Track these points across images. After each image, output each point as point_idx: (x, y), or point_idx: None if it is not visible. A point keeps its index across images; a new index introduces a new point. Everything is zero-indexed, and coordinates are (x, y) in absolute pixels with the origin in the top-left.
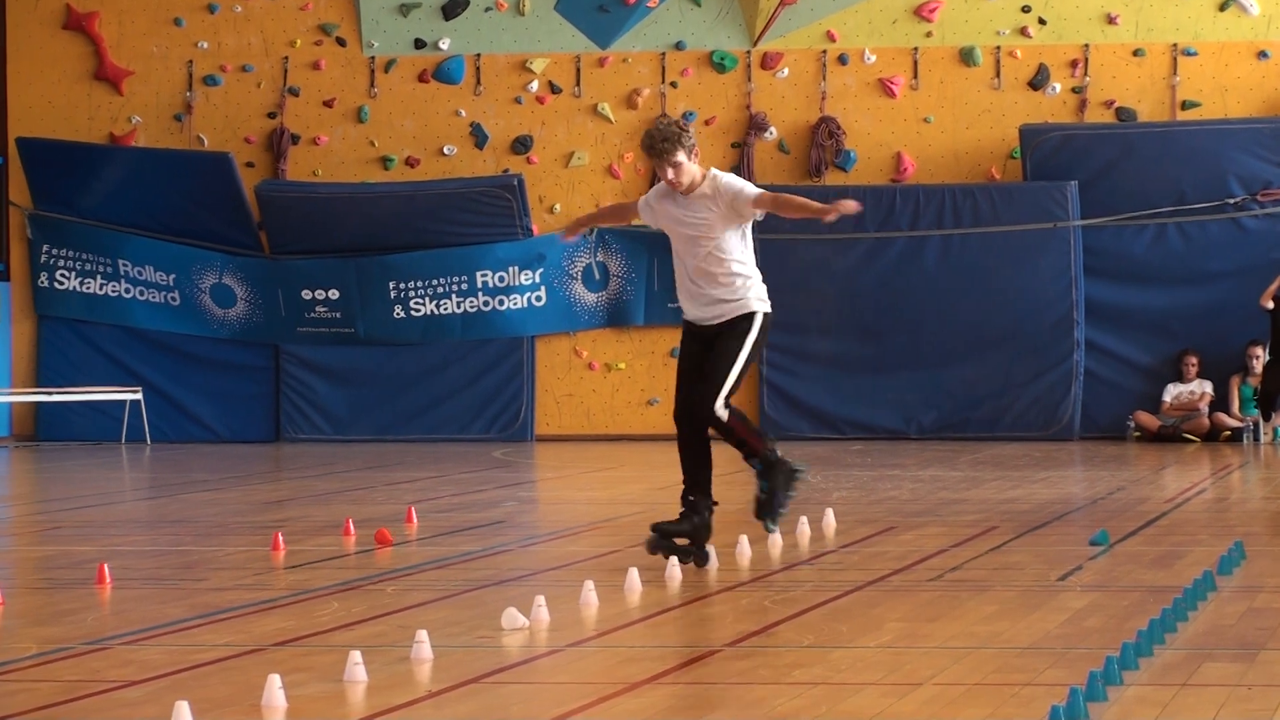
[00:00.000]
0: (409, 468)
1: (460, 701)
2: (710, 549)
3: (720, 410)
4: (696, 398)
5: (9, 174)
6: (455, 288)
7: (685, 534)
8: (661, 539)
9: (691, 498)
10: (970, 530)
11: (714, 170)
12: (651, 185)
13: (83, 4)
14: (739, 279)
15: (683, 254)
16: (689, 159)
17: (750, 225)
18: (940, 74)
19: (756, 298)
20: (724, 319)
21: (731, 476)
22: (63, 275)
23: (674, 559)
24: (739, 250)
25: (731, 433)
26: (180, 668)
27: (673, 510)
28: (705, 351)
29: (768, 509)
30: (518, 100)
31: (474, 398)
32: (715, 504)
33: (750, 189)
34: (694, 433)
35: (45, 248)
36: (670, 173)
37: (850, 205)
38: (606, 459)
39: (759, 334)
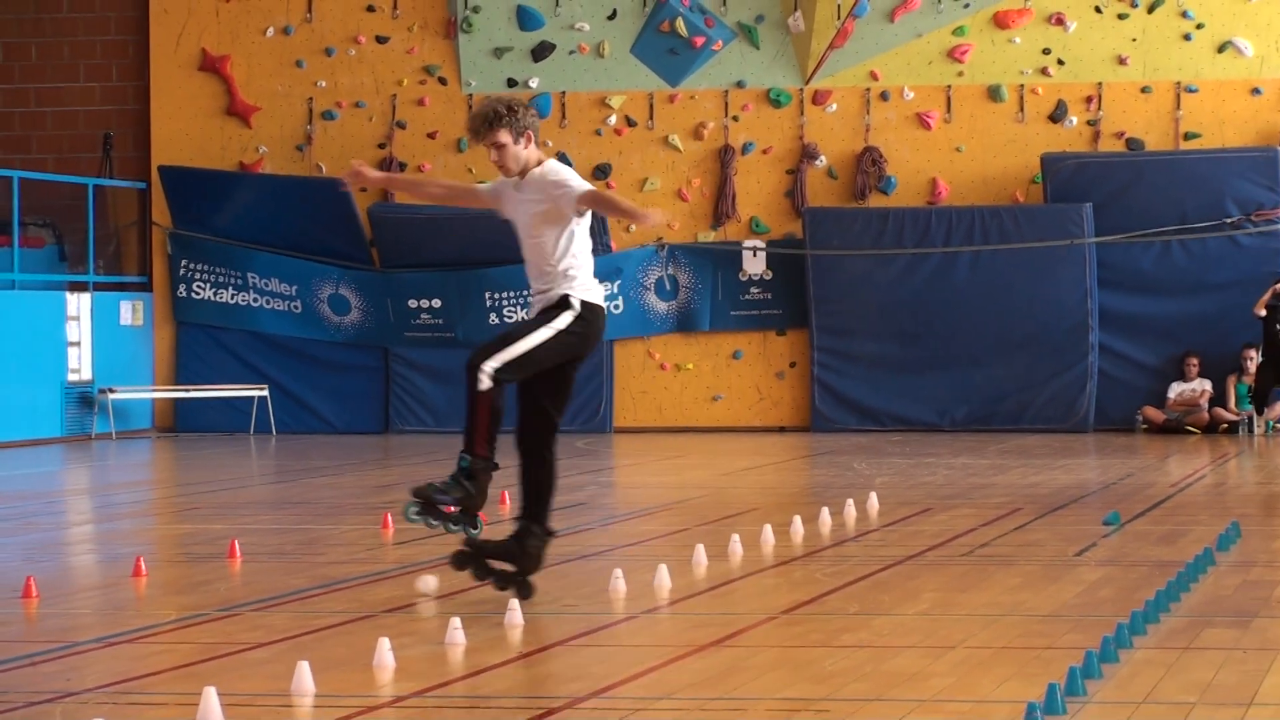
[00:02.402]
0: (501, 456)
1: (547, 662)
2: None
3: (486, 373)
4: (479, 347)
5: (152, 197)
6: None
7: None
8: (473, 555)
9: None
10: (997, 511)
11: (551, 160)
12: (717, 203)
13: (216, 48)
14: (563, 272)
15: (520, 240)
16: (516, 141)
17: (582, 220)
18: (970, 109)
19: (580, 288)
20: (542, 306)
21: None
22: (199, 286)
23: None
24: (565, 242)
25: (474, 405)
26: (302, 631)
27: (734, 494)
28: None
29: (425, 494)
30: (598, 132)
31: None
32: (496, 466)
33: (577, 185)
34: (524, 455)
35: (183, 262)
36: (493, 154)
37: (656, 215)
38: (676, 448)
39: (571, 323)
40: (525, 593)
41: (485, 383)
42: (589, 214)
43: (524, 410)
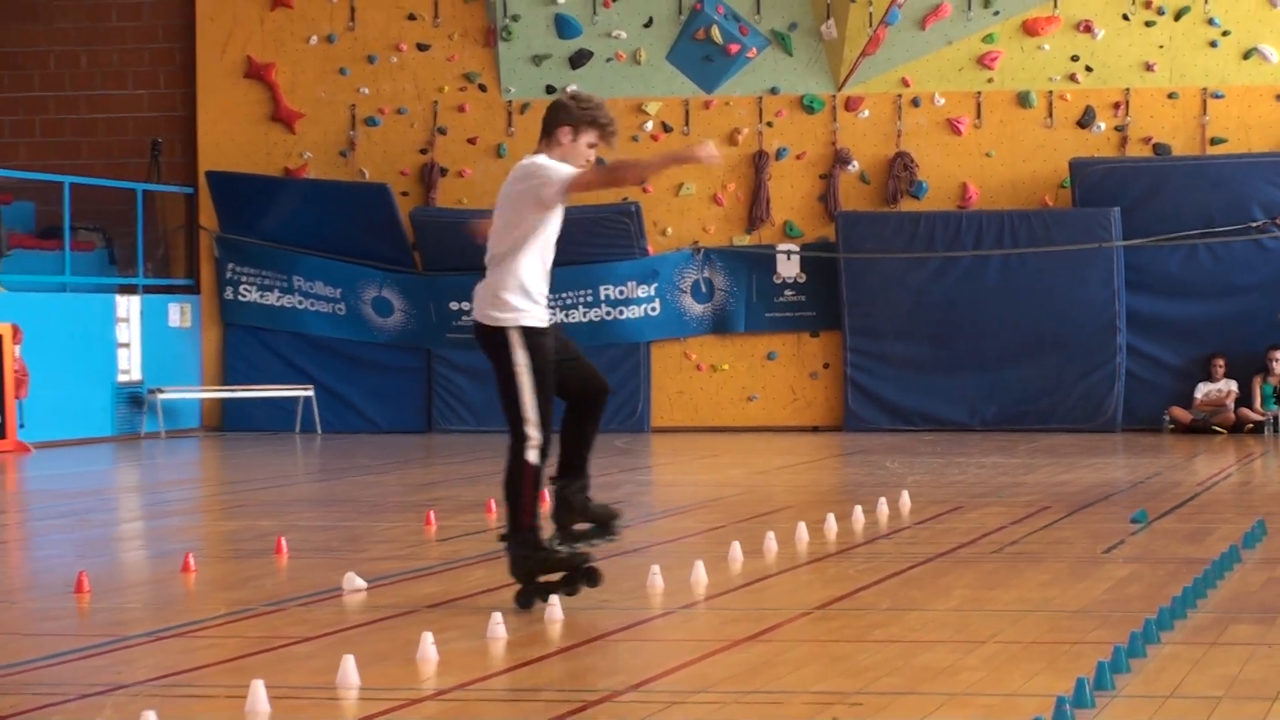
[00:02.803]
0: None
1: (587, 657)
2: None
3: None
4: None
5: (199, 202)
6: (582, 300)
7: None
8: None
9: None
10: (1026, 509)
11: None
12: (751, 207)
13: (261, 56)
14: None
15: (550, 246)
16: (572, 142)
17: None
18: (1000, 114)
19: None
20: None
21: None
22: (245, 289)
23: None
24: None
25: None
26: (346, 626)
27: (768, 492)
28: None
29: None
30: (635, 138)
31: None
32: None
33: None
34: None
35: (230, 265)
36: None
37: (709, 149)
38: (712, 448)
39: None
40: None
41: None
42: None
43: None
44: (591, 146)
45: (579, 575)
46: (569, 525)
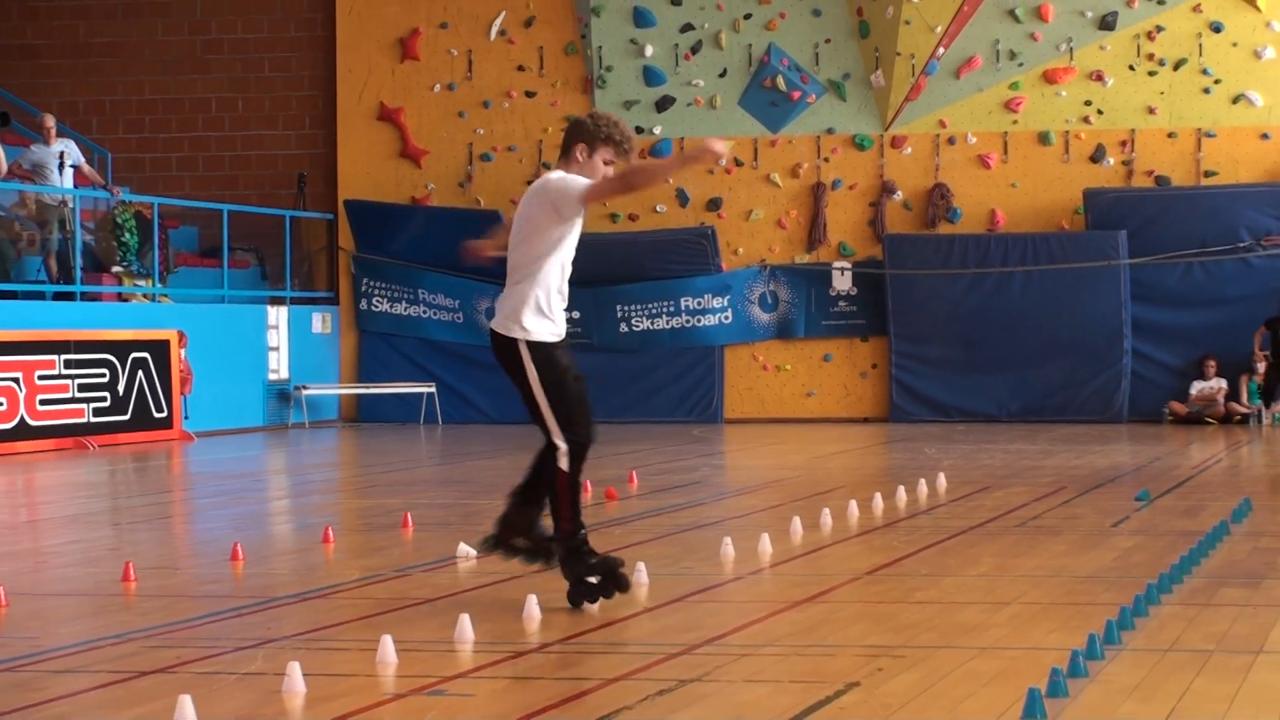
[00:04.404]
0: (631, 442)
1: (669, 615)
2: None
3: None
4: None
5: (339, 227)
6: (665, 310)
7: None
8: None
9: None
10: (1046, 489)
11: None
12: (811, 230)
13: (392, 101)
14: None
15: (568, 260)
16: (588, 158)
17: (572, 239)
18: (1024, 151)
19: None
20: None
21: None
22: (377, 301)
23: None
24: (556, 251)
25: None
26: (462, 589)
27: (824, 474)
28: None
29: (574, 596)
30: (710, 171)
31: (678, 391)
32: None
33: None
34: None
35: (364, 281)
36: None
37: (717, 145)
38: (776, 436)
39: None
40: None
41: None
42: (574, 231)
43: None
44: (608, 163)
45: (611, 580)
46: (506, 538)
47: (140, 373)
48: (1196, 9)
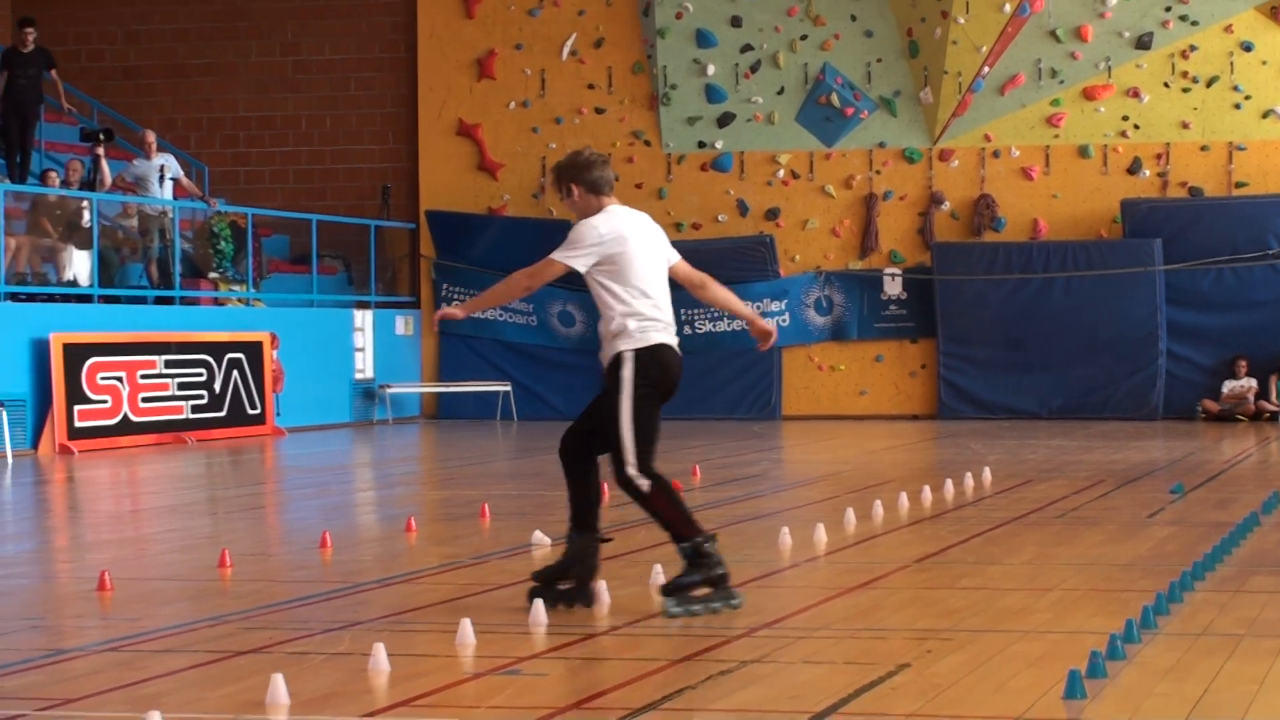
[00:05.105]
0: (695, 437)
1: None
2: (598, 586)
3: (635, 477)
4: (577, 443)
5: (420, 235)
6: (726, 313)
7: (567, 577)
8: (543, 587)
9: (573, 534)
10: (1085, 482)
11: (583, 221)
12: (863, 238)
13: (470, 118)
14: (613, 333)
15: (642, 276)
16: (565, 196)
17: (605, 274)
18: (1065, 164)
19: (629, 340)
20: (604, 363)
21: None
22: (456, 304)
23: (542, 603)
24: (600, 302)
25: (653, 506)
26: None
27: (876, 468)
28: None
29: (672, 588)
30: (769, 183)
31: (739, 389)
32: (606, 539)
33: (563, 246)
34: (570, 466)
35: (444, 285)
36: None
37: (450, 312)
38: (830, 432)
39: (634, 374)
40: (586, 600)
41: (644, 484)
42: (613, 264)
43: (580, 425)
44: (584, 197)
45: (719, 587)
46: (552, 580)
47: (235, 372)
48: (1228, 29)
